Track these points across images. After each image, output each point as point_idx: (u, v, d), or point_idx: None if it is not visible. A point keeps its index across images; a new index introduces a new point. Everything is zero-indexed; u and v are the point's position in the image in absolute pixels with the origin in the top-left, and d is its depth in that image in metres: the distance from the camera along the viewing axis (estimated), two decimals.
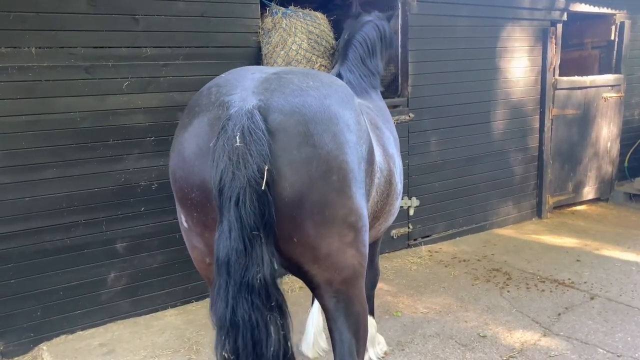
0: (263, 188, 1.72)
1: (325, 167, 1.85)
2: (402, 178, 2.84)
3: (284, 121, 1.81)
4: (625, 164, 7.40)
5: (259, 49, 4.28)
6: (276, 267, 1.80)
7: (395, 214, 2.88)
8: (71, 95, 3.69)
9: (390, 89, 5.45)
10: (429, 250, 5.45)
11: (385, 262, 5.10)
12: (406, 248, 5.49)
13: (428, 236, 5.64)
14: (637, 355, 3.41)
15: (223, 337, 1.80)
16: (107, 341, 3.79)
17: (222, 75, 2.10)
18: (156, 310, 4.19)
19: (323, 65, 3.87)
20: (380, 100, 3.24)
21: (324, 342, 3.48)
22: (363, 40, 3.15)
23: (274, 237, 1.81)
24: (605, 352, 3.47)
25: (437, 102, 5.45)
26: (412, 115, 5.25)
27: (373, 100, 3.09)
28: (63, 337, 3.83)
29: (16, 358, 3.64)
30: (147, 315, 4.14)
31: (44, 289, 3.74)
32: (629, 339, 3.62)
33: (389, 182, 2.53)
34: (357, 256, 2.05)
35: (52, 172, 3.66)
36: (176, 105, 4.04)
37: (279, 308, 1.82)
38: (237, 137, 1.73)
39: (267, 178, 1.73)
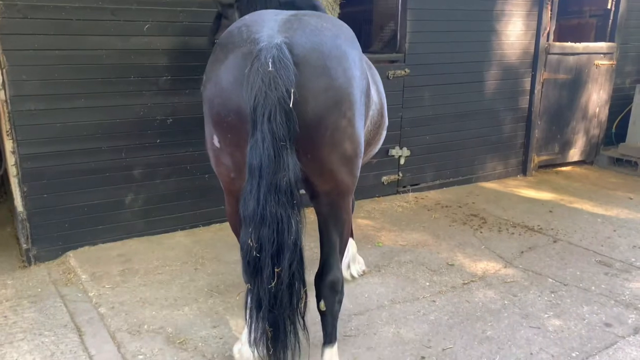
0: (291, 106, 2.13)
1: (338, 97, 2.24)
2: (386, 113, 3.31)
3: (306, 55, 2.19)
4: (613, 130, 7.74)
5: None
6: (299, 172, 2.17)
7: (381, 143, 3.36)
8: (98, 34, 4.13)
9: (390, 45, 5.84)
10: (416, 197, 5.95)
11: (374, 204, 5.63)
12: (395, 194, 5.99)
13: (416, 184, 6.13)
14: (581, 285, 3.94)
15: (250, 230, 2.15)
16: (125, 253, 4.37)
17: (246, 17, 2.49)
18: (167, 232, 4.76)
19: None
20: None
21: None
22: None
23: (295, 150, 2.18)
24: (554, 281, 4.00)
25: (433, 60, 5.83)
26: (407, 70, 5.65)
27: None
28: (87, 247, 4.41)
29: (47, 262, 4.23)
30: (160, 235, 4.70)
31: (71, 204, 4.29)
32: (578, 273, 4.15)
33: (381, 114, 3.00)
34: (352, 176, 2.51)
35: (80, 102, 4.16)
36: (190, 49, 4.48)
37: (298, 207, 2.25)
38: (270, 64, 2.09)
39: (292, 99, 2.13)
